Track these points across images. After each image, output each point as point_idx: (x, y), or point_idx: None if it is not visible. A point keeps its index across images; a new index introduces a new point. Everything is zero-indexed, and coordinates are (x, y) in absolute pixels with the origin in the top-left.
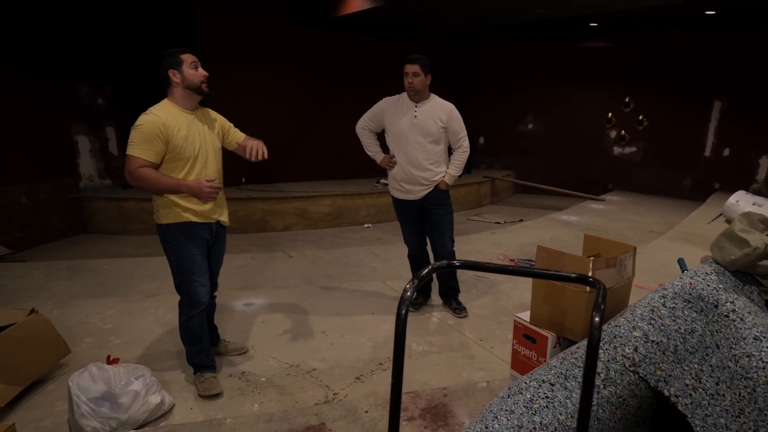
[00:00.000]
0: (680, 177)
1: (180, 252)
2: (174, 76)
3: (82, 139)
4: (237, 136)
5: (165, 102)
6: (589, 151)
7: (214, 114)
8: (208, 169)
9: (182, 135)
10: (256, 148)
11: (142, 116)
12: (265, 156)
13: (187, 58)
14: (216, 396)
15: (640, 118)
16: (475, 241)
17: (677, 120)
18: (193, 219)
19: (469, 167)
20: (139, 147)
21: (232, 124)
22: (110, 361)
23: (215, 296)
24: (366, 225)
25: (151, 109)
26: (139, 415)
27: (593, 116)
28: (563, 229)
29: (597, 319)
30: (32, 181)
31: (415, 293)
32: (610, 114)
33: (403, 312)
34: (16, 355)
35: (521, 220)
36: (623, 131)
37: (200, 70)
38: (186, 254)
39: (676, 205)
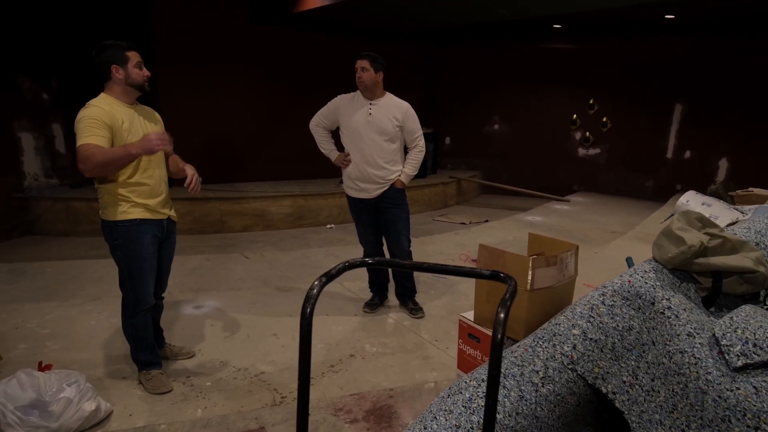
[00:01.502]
0: (643, 178)
1: (129, 250)
2: (117, 71)
3: (25, 136)
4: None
5: (103, 96)
6: (554, 152)
7: (154, 113)
8: (152, 162)
9: (126, 127)
10: (196, 183)
11: (82, 110)
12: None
13: (134, 57)
14: (166, 393)
15: (604, 119)
16: (439, 241)
17: (640, 122)
18: (145, 215)
19: (435, 167)
20: (88, 136)
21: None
22: (42, 367)
23: (163, 297)
24: (329, 226)
25: (90, 102)
26: (71, 423)
27: (558, 117)
28: (527, 229)
29: (501, 315)
30: None
31: (372, 294)
32: (574, 115)
33: (308, 310)
34: None
35: (486, 221)
36: (588, 133)
37: (144, 70)
38: (136, 252)
39: (639, 206)
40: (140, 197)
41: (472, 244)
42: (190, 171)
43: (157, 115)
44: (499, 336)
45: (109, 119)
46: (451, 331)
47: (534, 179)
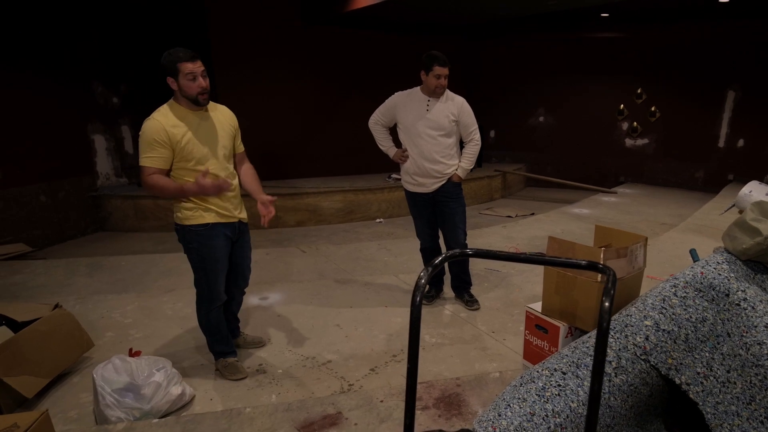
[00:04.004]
0: (693, 169)
1: (203, 253)
2: (171, 84)
3: (98, 138)
4: (238, 147)
5: (170, 103)
6: (600, 144)
7: (228, 113)
8: (216, 168)
9: (187, 137)
10: (269, 216)
11: (145, 122)
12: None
13: (184, 68)
14: (242, 379)
15: (653, 109)
16: (487, 234)
17: (690, 111)
18: (217, 219)
19: (480, 161)
20: (146, 156)
21: (239, 132)
22: (132, 353)
23: (244, 292)
24: (378, 220)
25: (154, 114)
26: (161, 406)
27: (605, 108)
28: (575, 222)
29: (607, 304)
30: (51, 180)
31: (429, 287)
32: (621, 105)
33: (418, 299)
34: (42, 348)
35: (532, 214)
36: (635, 123)
37: (199, 81)
38: (209, 255)
39: (689, 197)
40: (211, 202)
41: (520, 237)
42: (263, 210)
43: (228, 116)
44: (605, 324)
45: (164, 134)
46: (507, 323)
47: (579, 171)
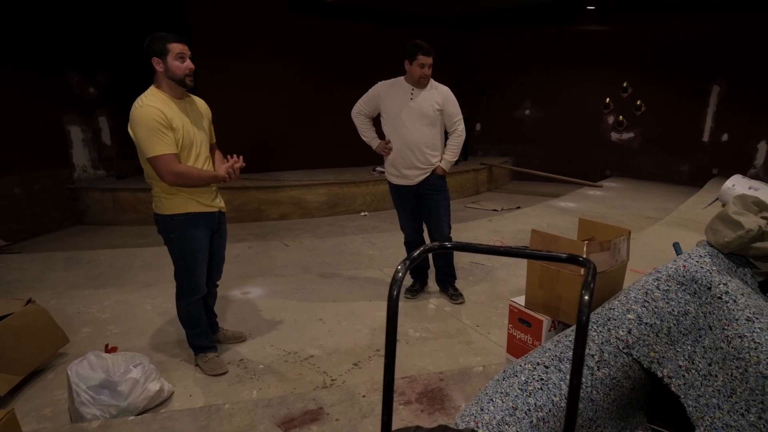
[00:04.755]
0: (678, 163)
1: (184, 242)
2: (157, 64)
3: (74, 129)
4: (212, 137)
5: (152, 90)
6: (586, 137)
7: (203, 104)
8: (202, 157)
9: (180, 123)
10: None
11: (137, 110)
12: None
13: (174, 48)
14: (222, 375)
15: (638, 103)
16: (472, 228)
17: (675, 105)
18: (198, 209)
19: (466, 154)
20: (159, 144)
21: (211, 123)
22: (108, 349)
23: (217, 285)
24: (363, 213)
25: (143, 100)
26: (138, 403)
27: (591, 102)
28: (561, 215)
29: (586, 297)
30: (26, 172)
31: (414, 281)
32: (607, 99)
33: (395, 293)
34: (15, 344)
35: (518, 208)
36: (621, 117)
37: (187, 62)
38: (190, 244)
39: (674, 191)
40: (192, 191)
41: (506, 231)
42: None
43: (204, 107)
44: (584, 318)
45: (163, 117)
46: (491, 317)
47: (566, 165)
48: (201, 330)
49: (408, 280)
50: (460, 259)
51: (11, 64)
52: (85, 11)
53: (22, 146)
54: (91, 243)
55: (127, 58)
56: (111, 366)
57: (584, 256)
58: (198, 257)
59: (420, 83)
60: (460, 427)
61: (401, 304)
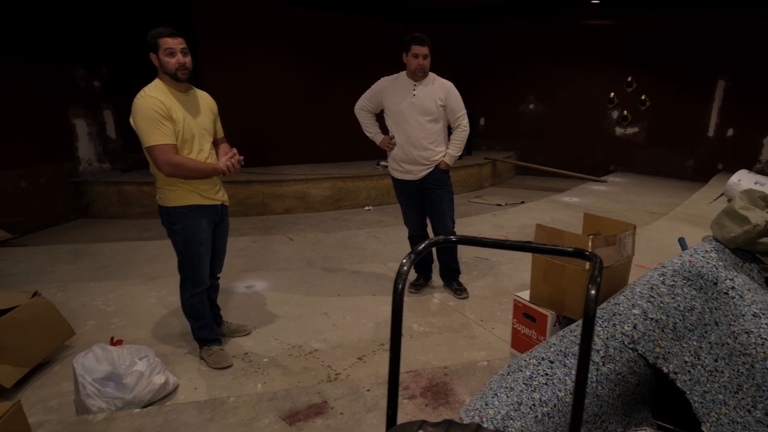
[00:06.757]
0: (683, 158)
1: (187, 234)
2: (154, 59)
3: (79, 123)
4: (219, 131)
5: (156, 82)
6: (591, 132)
7: (209, 99)
8: (204, 151)
9: (181, 115)
10: (235, 164)
11: (138, 101)
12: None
13: (164, 44)
14: (227, 368)
15: (643, 97)
16: (476, 223)
17: (680, 100)
18: (201, 201)
19: (469, 149)
20: (156, 134)
21: (219, 117)
22: (114, 342)
23: (218, 277)
24: (366, 208)
25: (146, 91)
26: (143, 395)
27: (595, 96)
28: (565, 210)
29: (593, 292)
30: (31, 165)
31: (417, 275)
32: (612, 94)
33: (400, 286)
34: (21, 337)
35: (522, 202)
36: (625, 111)
37: (177, 57)
38: (193, 237)
39: (678, 186)
40: (193, 184)
41: (509, 226)
42: (224, 159)
43: (210, 101)
44: (591, 312)
45: (164, 108)
46: (495, 312)
47: (570, 159)
48: (205, 322)
49: (412, 275)
50: (464, 253)
51: (18, 58)
52: (90, 5)
53: (28, 139)
54: (96, 236)
55: (132, 51)
56: (116, 358)
57: (590, 250)
58: (201, 249)
59: (416, 75)
60: (464, 422)
61: (405, 298)
